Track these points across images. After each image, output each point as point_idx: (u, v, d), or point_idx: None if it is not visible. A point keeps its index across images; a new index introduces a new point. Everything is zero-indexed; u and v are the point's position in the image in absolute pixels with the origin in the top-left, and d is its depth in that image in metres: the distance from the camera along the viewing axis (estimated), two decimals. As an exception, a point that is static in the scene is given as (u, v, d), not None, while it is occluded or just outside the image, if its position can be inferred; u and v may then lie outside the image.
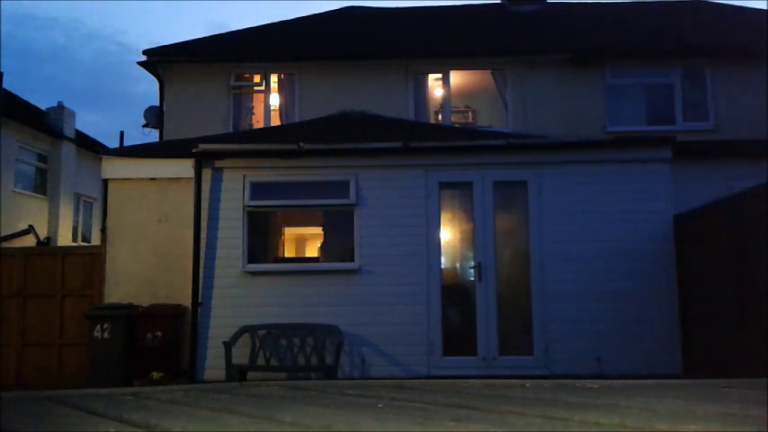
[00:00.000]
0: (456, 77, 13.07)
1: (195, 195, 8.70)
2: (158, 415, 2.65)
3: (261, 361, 8.28)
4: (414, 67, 12.76)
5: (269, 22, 15.03)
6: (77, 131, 19.60)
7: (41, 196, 18.03)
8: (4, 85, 16.16)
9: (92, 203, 20.12)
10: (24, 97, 19.61)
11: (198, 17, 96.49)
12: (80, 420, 2.62)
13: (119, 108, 75.38)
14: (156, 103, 13.06)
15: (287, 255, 12.20)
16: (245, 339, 8.34)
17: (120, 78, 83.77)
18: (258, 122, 13.11)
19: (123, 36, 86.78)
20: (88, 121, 57.15)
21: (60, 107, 18.80)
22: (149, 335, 8.71)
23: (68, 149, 18.76)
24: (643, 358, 8.05)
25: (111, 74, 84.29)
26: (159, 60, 12.82)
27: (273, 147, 9.08)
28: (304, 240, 13.94)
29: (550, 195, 8.63)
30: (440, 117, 13.26)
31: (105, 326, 8.69)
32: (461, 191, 8.90)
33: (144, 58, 12.80)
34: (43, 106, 19.76)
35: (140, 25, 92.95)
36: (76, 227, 19.53)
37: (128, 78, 78.27)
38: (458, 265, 9.01)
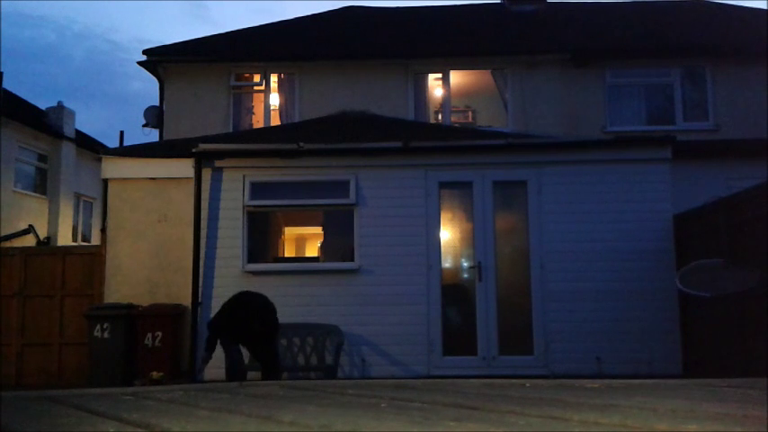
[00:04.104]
0: (456, 77, 13.07)
1: (195, 195, 8.70)
2: (158, 415, 2.65)
3: (261, 361, 8.27)
4: (414, 67, 12.76)
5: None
6: (77, 131, 19.60)
7: (41, 196, 18.03)
8: (4, 85, 16.18)
9: (92, 203, 20.12)
10: (17, 95, 19.60)
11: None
12: (80, 420, 2.61)
13: (113, 106, 75.50)
14: (149, 101, 13.11)
15: (287, 255, 12.20)
16: (245, 339, 8.32)
17: (113, 77, 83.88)
18: (258, 122, 13.11)
19: (115, 34, 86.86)
20: (81, 120, 57.25)
21: (60, 107, 18.80)
22: (149, 335, 8.71)
23: (68, 149, 18.75)
24: (643, 358, 8.05)
25: (103, 72, 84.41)
26: (159, 60, 12.82)
27: (273, 147, 9.08)
28: (304, 240, 13.93)
29: (550, 195, 8.62)
30: (440, 117, 13.26)
31: (105, 326, 8.69)
32: (461, 191, 8.90)
33: (144, 57, 12.81)
34: (36, 104, 19.78)
35: (131, 23, 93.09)
36: (76, 227, 19.52)
37: (121, 77, 78.27)
38: (458, 264, 9.01)
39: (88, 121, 53.60)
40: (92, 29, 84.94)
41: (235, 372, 6.68)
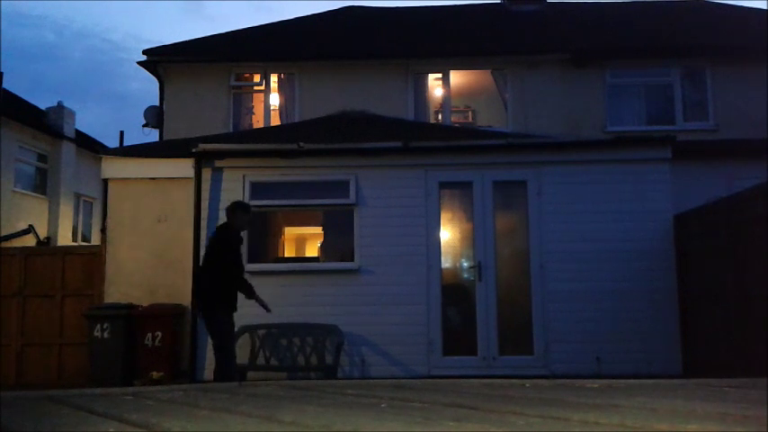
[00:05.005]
0: (456, 77, 13.07)
1: (195, 195, 8.70)
2: (158, 414, 2.65)
3: (261, 361, 8.29)
4: (414, 67, 12.76)
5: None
6: (77, 131, 19.61)
7: (41, 196, 18.03)
8: (4, 85, 16.19)
9: (92, 203, 20.13)
10: (17, 95, 19.61)
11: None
12: (80, 420, 2.61)
13: (112, 106, 75.52)
14: (148, 101, 13.11)
15: (287, 255, 12.20)
16: (245, 339, 8.34)
17: (112, 76, 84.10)
18: (258, 122, 13.11)
19: (113, 33, 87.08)
20: (80, 119, 57.33)
21: (60, 107, 18.81)
22: (149, 335, 8.70)
23: (68, 149, 18.76)
24: (643, 358, 8.05)
25: (102, 72, 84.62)
26: (159, 60, 12.83)
27: (273, 147, 9.08)
28: (304, 240, 13.93)
29: (550, 195, 8.62)
30: (440, 117, 13.26)
31: (105, 326, 8.69)
32: (461, 191, 8.90)
33: (144, 57, 12.81)
34: (36, 104, 19.78)
35: (128, 22, 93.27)
36: (76, 227, 19.53)
37: (120, 76, 78.31)
38: (458, 264, 9.01)
39: (87, 121, 53.76)
40: (90, 28, 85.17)
41: (230, 368, 6.37)
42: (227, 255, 6.39)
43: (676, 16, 14.24)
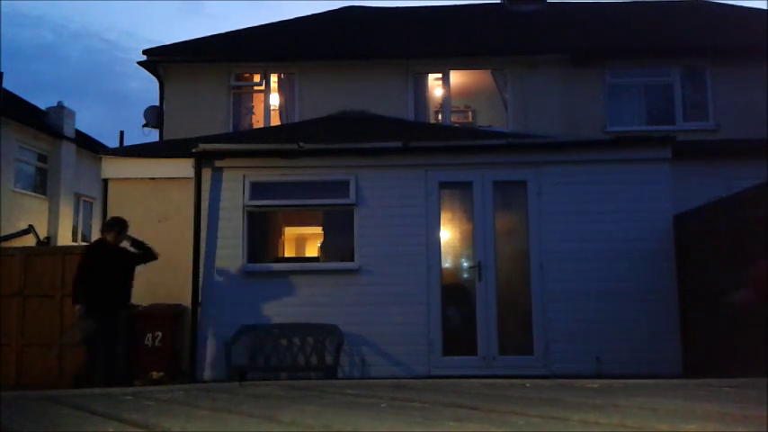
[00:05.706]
0: (456, 77, 13.08)
1: (195, 195, 8.70)
2: (158, 414, 2.65)
3: (261, 361, 8.28)
4: (414, 67, 12.76)
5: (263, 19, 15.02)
6: (77, 131, 19.61)
7: (41, 196, 18.04)
8: (4, 85, 16.21)
9: (92, 203, 20.13)
10: (17, 95, 19.62)
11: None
12: (80, 420, 2.62)
13: (110, 105, 75.56)
14: (147, 100, 13.13)
15: (287, 255, 12.20)
16: (245, 339, 8.34)
17: (111, 76, 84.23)
18: (258, 122, 13.12)
19: (111, 33, 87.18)
20: (79, 119, 57.32)
21: (60, 107, 18.82)
22: (149, 335, 8.70)
23: (68, 149, 18.77)
24: (643, 358, 8.05)
25: (101, 71, 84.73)
26: (159, 60, 12.83)
27: (273, 147, 9.07)
28: (304, 240, 13.94)
29: (550, 195, 8.62)
30: (440, 117, 13.27)
31: (105, 326, 8.66)
32: (461, 190, 8.89)
33: (144, 57, 12.82)
34: (34, 104, 19.78)
35: (127, 21, 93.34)
36: (76, 227, 19.54)
37: (119, 76, 78.31)
38: (458, 264, 9.01)
39: (87, 121, 53.86)
40: (88, 28, 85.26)
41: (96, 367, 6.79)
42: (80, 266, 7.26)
43: (676, 16, 14.25)
